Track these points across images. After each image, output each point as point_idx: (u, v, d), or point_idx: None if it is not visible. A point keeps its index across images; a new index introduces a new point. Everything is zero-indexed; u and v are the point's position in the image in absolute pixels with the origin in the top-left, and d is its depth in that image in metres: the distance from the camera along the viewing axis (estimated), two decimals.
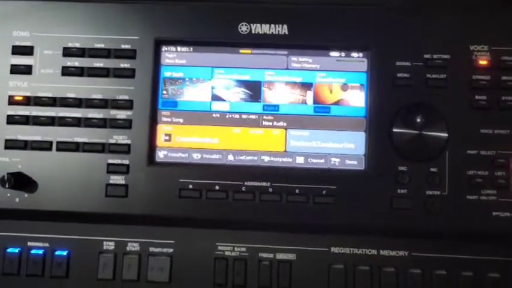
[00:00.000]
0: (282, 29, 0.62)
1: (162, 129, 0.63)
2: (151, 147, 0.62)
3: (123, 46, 0.62)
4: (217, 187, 0.61)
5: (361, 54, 0.63)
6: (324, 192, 0.61)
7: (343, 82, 0.63)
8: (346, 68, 0.63)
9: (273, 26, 0.62)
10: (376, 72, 0.61)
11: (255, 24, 0.62)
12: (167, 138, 0.63)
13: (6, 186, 0.59)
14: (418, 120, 0.60)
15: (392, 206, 0.60)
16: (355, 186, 0.60)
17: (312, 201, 0.60)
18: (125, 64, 0.62)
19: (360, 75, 0.63)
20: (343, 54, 0.63)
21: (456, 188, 0.60)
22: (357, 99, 0.63)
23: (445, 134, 0.60)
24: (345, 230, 0.61)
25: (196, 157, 0.63)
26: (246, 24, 0.63)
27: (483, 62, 0.61)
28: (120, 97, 0.62)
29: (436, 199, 0.59)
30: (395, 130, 0.60)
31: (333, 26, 0.62)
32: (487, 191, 0.60)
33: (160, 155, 0.63)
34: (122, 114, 0.62)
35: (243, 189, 0.61)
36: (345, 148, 0.62)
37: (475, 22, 0.62)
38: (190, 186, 0.61)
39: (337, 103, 0.63)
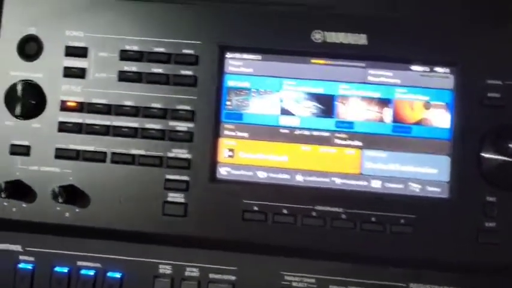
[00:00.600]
0: (361, 39, 0.60)
1: (224, 144, 0.61)
2: (213, 163, 0.60)
3: (184, 51, 0.60)
4: (284, 210, 0.59)
5: (447, 70, 0.60)
6: (402, 221, 0.58)
7: (426, 100, 0.60)
8: (430, 84, 0.60)
9: (350, 34, 0.60)
10: (463, 90, 0.59)
11: (330, 33, 0.60)
12: (230, 153, 0.61)
13: (59, 200, 0.57)
14: (511, 145, 0.57)
15: (478, 241, 0.57)
16: (436, 216, 0.58)
17: (389, 230, 0.58)
18: (186, 71, 0.60)
19: (445, 92, 0.60)
20: (427, 69, 0.60)
21: None
22: (441, 119, 0.60)
23: None
24: (424, 265, 0.59)
25: (261, 176, 0.61)
26: (320, 32, 0.60)
27: None
28: (181, 107, 0.60)
29: None
30: (484, 155, 0.58)
31: (417, 38, 0.59)
32: None
33: (222, 171, 0.61)
34: (182, 125, 0.60)
35: (313, 213, 0.58)
36: (426, 173, 0.60)
37: None
38: (255, 208, 0.59)
39: (418, 123, 0.60)
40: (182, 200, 0.59)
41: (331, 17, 0.60)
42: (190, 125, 0.60)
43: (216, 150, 0.60)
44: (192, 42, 0.60)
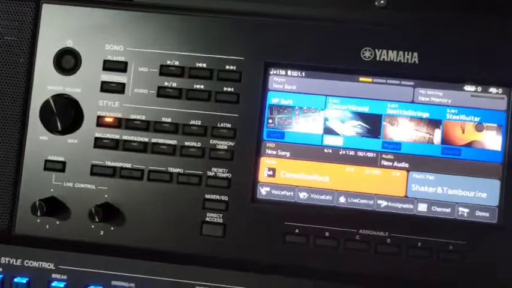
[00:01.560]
0: (412, 57, 0.61)
1: (265, 163, 0.63)
2: (253, 183, 0.62)
3: (227, 67, 0.62)
4: (327, 233, 0.60)
5: (500, 90, 0.61)
6: (450, 247, 0.60)
7: (478, 121, 0.62)
8: (482, 105, 0.62)
9: (401, 53, 0.61)
10: None
11: (380, 50, 0.62)
12: (271, 173, 0.63)
13: (96, 219, 0.60)
14: None
15: None
16: (486, 241, 0.59)
17: (437, 257, 0.59)
18: (228, 87, 0.62)
19: (498, 114, 0.62)
20: (479, 89, 0.62)
21: None
22: (493, 141, 0.61)
23: None
24: None
25: (303, 196, 0.62)
26: (370, 50, 0.62)
27: None
28: (222, 125, 0.62)
29: None
30: None
31: (469, 56, 0.61)
32: None
33: (263, 191, 0.63)
34: (223, 144, 0.62)
35: (357, 237, 0.60)
36: (475, 197, 0.61)
37: None
38: (297, 231, 0.61)
39: (469, 145, 0.62)
40: (221, 221, 0.61)
41: (382, 34, 0.62)
42: (231, 143, 0.62)
43: (256, 170, 0.62)
44: (235, 58, 0.62)
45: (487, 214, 0.61)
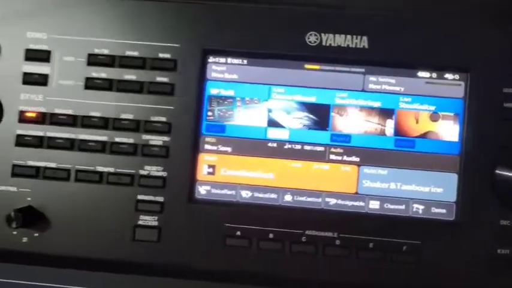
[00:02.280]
0: (361, 42, 0.58)
1: (204, 159, 0.60)
2: (191, 181, 0.59)
3: (161, 55, 0.59)
4: (271, 235, 0.57)
5: (457, 76, 0.59)
6: (404, 247, 0.56)
7: (433, 110, 0.59)
8: (438, 92, 0.59)
9: (349, 37, 0.58)
10: (476, 99, 0.58)
11: (326, 35, 0.58)
12: (210, 170, 0.60)
13: (14, 225, 0.55)
14: None
15: (491, 270, 0.56)
16: (442, 241, 0.57)
17: (390, 259, 0.56)
18: (163, 78, 0.59)
19: (455, 102, 0.59)
20: (434, 75, 0.59)
21: None
22: (449, 132, 0.59)
23: None
24: None
25: (245, 195, 0.59)
26: (315, 34, 0.58)
27: None
28: (156, 118, 0.58)
29: None
30: (498, 173, 0.56)
31: (423, 39, 0.58)
32: None
33: (202, 190, 0.59)
34: (157, 139, 0.58)
35: (303, 239, 0.57)
36: (431, 193, 0.58)
37: None
38: (238, 233, 0.57)
39: (424, 136, 0.59)
40: (155, 224, 0.57)
41: (328, 18, 0.59)
42: (166, 138, 0.58)
43: (194, 167, 0.59)
44: (170, 45, 0.59)
45: (443, 211, 0.58)
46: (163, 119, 0.58)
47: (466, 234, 0.56)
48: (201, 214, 0.58)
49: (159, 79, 0.59)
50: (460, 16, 0.59)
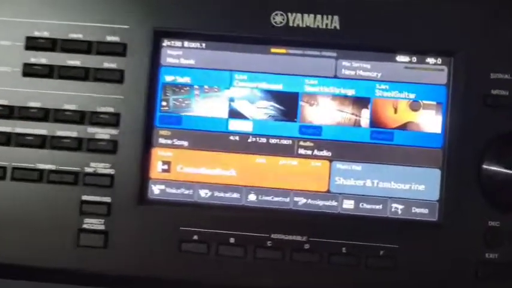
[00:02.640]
0: (332, 22, 0.54)
1: (158, 155, 0.55)
2: (143, 180, 0.54)
3: (109, 38, 0.55)
4: (232, 240, 0.53)
5: (440, 61, 0.55)
6: (381, 252, 0.53)
7: (413, 98, 0.55)
8: (419, 78, 0.55)
9: (319, 17, 0.54)
10: (460, 86, 0.54)
11: (294, 14, 0.54)
12: (165, 167, 0.55)
13: None
14: None
15: (478, 275, 0.52)
16: (424, 244, 0.53)
17: (364, 265, 0.52)
18: (110, 63, 0.54)
19: (438, 89, 0.55)
20: (414, 59, 0.55)
21: None
22: (431, 122, 0.55)
23: None
24: None
25: (204, 195, 0.55)
26: (281, 14, 0.54)
27: None
28: (103, 109, 0.54)
29: None
30: (486, 168, 0.53)
31: (402, 20, 0.54)
32: None
33: (155, 190, 0.55)
34: (103, 133, 0.54)
35: (269, 243, 0.53)
36: (411, 190, 0.55)
37: None
38: (195, 237, 0.53)
39: (403, 127, 0.55)
40: (102, 228, 0.53)
41: None
42: (114, 131, 0.54)
43: (147, 164, 0.55)
44: (119, 26, 0.55)
45: (425, 210, 0.55)
46: (111, 109, 0.54)
47: (451, 236, 0.53)
48: (153, 216, 0.53)
49: (107, 65, 0.54)
50: None
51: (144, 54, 0.54)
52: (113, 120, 0.54)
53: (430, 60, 0.55)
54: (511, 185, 0.51)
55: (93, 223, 0.53)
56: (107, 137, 0.54)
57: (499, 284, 0.52)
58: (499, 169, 0.52)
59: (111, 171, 0.53)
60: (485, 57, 0.53)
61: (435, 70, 0.55)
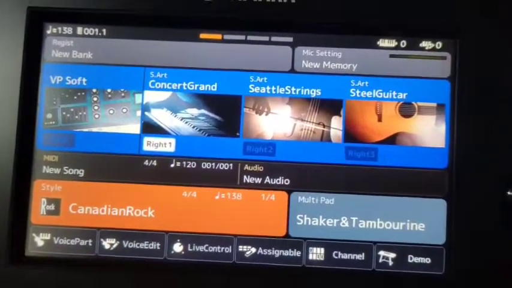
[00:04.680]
0: None
1: (42, 191, 0.45)
2: (19, 228, 0.44)
3: None
4: None
5: (439, 45, 0.45)
6: None
7: (404, 99, 0.45)
8: (411, 71, 0.45)
9: None
10: (471, 80, 0.44)
11: None
12: (52, 208, 0.45)
13: None
14: None
15: None
16: None
17: None
18: None
19: (438, 85, 0.45)
20: (404, 43, 0.45)
21: None
22: (430, 133, 0.45)
23: None
24: None
25: (109, 246, 0.44)
26: None
27: None
28: None
29: None
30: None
31: None
32: None
33: (38, 242, 0.44)
34: None
35: None
36: (407, 231, 0.44)
37: None
38: None
39: (391, 141, 0.44)
40: None
41: None
42: None
43: (25, 204, 0.44)
44: None
45: (427, 260, 0.44)
46: None
47: None
48: (33, 281, 0.43)
49: None
50: None
51: (17, 45, 0.43)
52: None
53: (427, 44, 0.45)
54: None
55: None
56: None
57: None
58: None
59: None
60: (503, 37, 0.42)
61: (434, 58, 0.45)
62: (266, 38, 0.45)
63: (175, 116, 0.45)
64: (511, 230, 0.42)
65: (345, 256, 0.44)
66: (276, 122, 0.45)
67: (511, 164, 0.43)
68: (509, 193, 0.42)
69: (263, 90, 0.45)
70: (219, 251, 0.44)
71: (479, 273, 0.42)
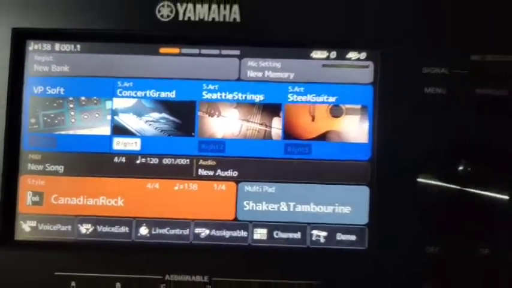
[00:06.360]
0: (231, 13, 0.49)
1: (28, 185, 0.50)
2: (8, 216, 0.49)
3: None
4: (118, 285, 0.48)
5: (364, 55, 0.51)
6: None
7: (334, 102, 0.51)
8: (339, 78, 0.51)
9: (215, 7, 0.50)
10: (389, 85, 0.49)
11: (184, 5, 0.50)
12: (36, 199, 0.50)
13: None
14: (461, 167, 0.48)
15: None
16: (351, 278, 0.48)
17: None
18: None
19: (362, 90, 0.51)
20: (333, 54, 0.51)
21: None
22: (356, 130, 0.51)
23: (505, 194, 0.47)
24: None
25: (85, 231, 0.50)
26: (168, 5, 0.49)
27: None
28: None
29: None
30: (422, 182, 0.48)
31: (317, 8, 0.50)
32: None
33: (25, 228, 0.50)
34: None
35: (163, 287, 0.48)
36: (335, 214, 0.50)
37: None
38: (73, 284, 0.47)
39: (322, 138, 0.51)
40: None
41: None
42: None
43: (13, 196, 0.50)
44: None
45: (352, 237, 0.51)
46: None
47: (382, 267, 0.48)
48: (23, 261, 0.48)
49: None
50: None
51: (3, 61, 0.49)
52: None
53: (353, 55, 0.51)
54: (454, 203, 0.47)
55: None
56: None
57: None
58: (438, 183, 0.47)
59: None
60: (416, 48, 0.49)
61: (359, 67, 0.51)
62: (217, 52, 0.50)
63: (140, 119, 0.50)
64: (421, 211, 0.47)
65: (284, 235, 0.50)
66: (226, 123, 0.50)
67: (418, 155, 0.48)
68: (418, 180, 0.47)
69: (214, 96, 0.50)
70: (178, 233, 0.50)
71: (395, 247, 0.48)
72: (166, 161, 0.50)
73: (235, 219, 0.50)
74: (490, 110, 0.48)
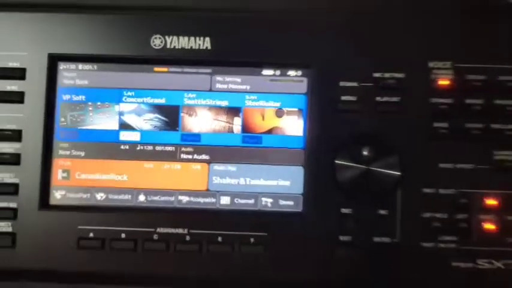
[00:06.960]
0: (204, 43, 0.62)
1: (59, 165, 0.63)
2: (45, 187, 0.62)
3: (10, 64, 0.62)
4: (123, 235, 0.61)
5: (299, 73, 0.63)
6: (252, 240, 0.61)
7: (278, 106, 0.63)
8: (282, 89, 0.63)
9: (192, 39, 0.62)
10: (317, 94, 0.62)
11: (170, 37, 0.62)
12: (65, 175, 0.63)
13: None
14: (366, 152, 0.60)
15: (334, 256, 0.60)
16: (290, 232, 0.61)
17: (238, 250, 0.60)
18: (11, 86, 0.62)
19: (298, 98, 0.63)
20: (278, 72, 0.63)
21: (409, 234, 0.60)
22: (294, 127, 0.63)
23: (397, 171, 0.60)
24: (277, 286, 0.61)
25: (100, 198, 0.63)
26: (159, 37, 0.63)
27: (444, 82, 0.61)
28: (6, 127, 0.62)
29: (385, 247, 0.60)
30: (338, 162, 0.60)
31: (265, 39, 0.62)
32: (445, 237, 0.60)
33: (57, 195, 0.63)
34: (7, 147, 0.62)
35: (155, 237, 0.61)
36: (279, 186, 0.63)
37: (435, 34, 0.62)
38: (91, 235, 0.61)
39: (270, 132, 0.63)
40: (10, 230, 0.61)
41: (171, 20, 0.63)
42: (17, 145, 0.62)
43: (48, 173, 0.63)
44: (18, 53, 0.62)
45: (291, 203, 0.62)
46: (14, 126, 0.62)
47: (312, 224, 0.60)
48: (56, 219, 0.61)
49: (9, 88, 0.62)
50: (299, 14, 0.63)
51: (42, 77, 0.62)
52: (15, 136, 0.61)
53: (292, 72, 0.63)
54: (359, 179, 0.59)
55: (2, 226, 0.60)
56: (11, 150, 0.61)
57: (352, 262, 0.60)
58: (348, 164, 0.60)
59: (16, 180, 0.61)
60: (336, 68, 0.61)
61: (296, 81, 0.63)
62: (195, 70, 0.62)
63: (139, 119, 0.62)
64: (338, 183, 0.59)
65: (242, 201, 0.62)
66: (201, 121, 0.62)
67: (336, 144, 0.59)
68: (336, 161, 0.59)
69: (193, 102, 0.62)
70: (166, 199, 0.62)
71: (321, 210, 0.59)
72: (158, 148, 0.62)
73: (207, 189, 0.62)
74: (387, 111, 0.60)
